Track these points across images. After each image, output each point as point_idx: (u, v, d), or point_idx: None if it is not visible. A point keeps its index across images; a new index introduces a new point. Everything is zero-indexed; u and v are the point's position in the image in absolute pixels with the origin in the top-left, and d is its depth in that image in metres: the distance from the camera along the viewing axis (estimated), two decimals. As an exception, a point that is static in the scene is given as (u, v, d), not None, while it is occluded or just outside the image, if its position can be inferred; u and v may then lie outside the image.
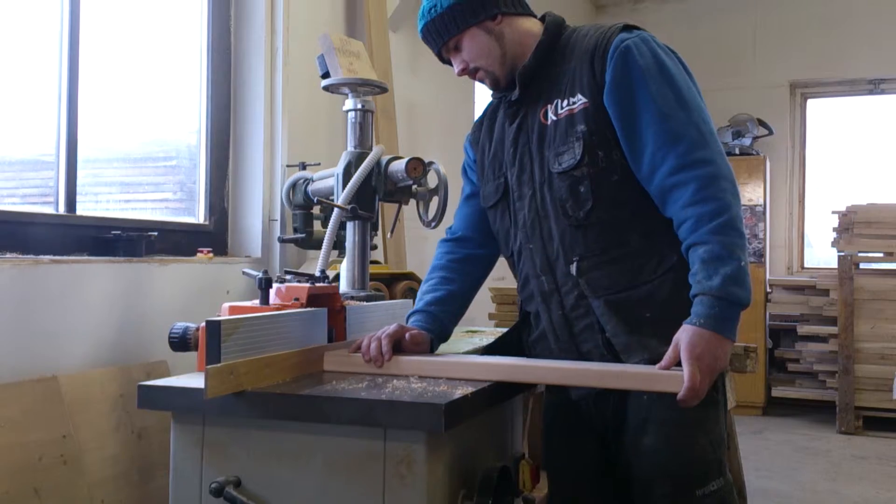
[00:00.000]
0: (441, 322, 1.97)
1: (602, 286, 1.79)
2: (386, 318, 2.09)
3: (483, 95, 5.61)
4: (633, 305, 1.77)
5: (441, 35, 1.91)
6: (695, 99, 1.76)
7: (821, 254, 7.19)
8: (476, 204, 2.07)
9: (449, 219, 2.48)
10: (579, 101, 1.80)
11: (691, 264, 1.68)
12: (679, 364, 1.60)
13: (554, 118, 1.84)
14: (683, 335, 1.62)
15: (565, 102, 1.82)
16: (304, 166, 2.93)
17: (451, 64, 1.97)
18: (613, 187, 1.78)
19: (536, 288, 1.89)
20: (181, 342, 1.90)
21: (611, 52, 1.77)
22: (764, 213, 6.58)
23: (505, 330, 2.14)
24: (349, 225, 2.36)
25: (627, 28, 1.82)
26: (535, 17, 1.96)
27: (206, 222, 3.05)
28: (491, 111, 2.06)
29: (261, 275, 1.87)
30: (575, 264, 1.80)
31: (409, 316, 1.98)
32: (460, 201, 2.16)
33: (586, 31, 1.87)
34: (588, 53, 1.81)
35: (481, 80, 1.94)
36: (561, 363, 1.80)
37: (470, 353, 2.04)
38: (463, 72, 1.93)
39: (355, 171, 2.31)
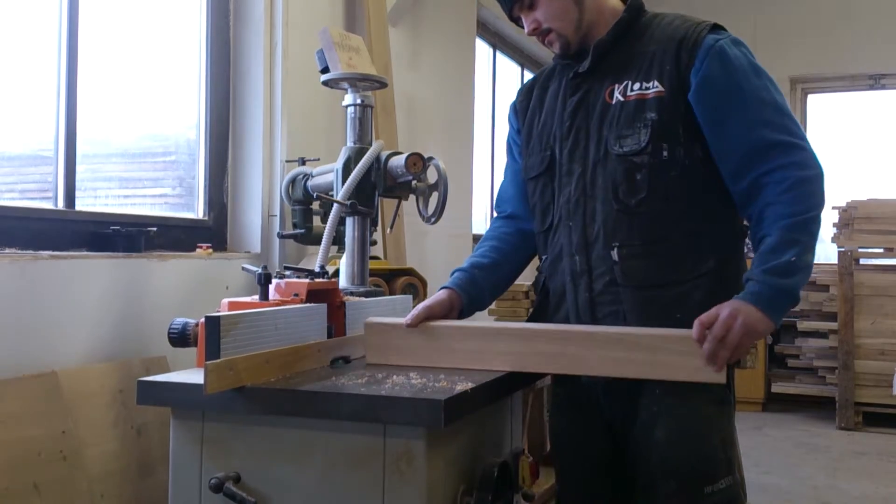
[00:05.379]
0: (480, 287, 1.98)
1: (637, 277, 1.78)
2: (386, 313, 2.08)
3: (481, 91, 5.60)
4: (665, 304, 1.76)
5: None
6: (786, 104, 1.77)
7: (822, 249, 7.18)
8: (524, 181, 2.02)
9: (449, 214, 2.48)
10: (654, 87, 1.77)
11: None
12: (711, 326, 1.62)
13: (621, 99, 1.80)
14: (727, 304, 1.64)
15: (637, 85, 1.79)
16: (303, 161, 2.92)
17: (518, 23, 1.93)
18: (670, 182, 1.77)
19: (568, 266, 1.87)
20: (180, 338, 1.90)
21: (703, 49, 1.75)
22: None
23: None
24: (349, 220, 2.36)
25: (716, 27, 1.81)
26: None
27: (206, 217, 3.05)
28: (543, 79, 2.02)
29: (260, 270, 1.87)
30: (615, 250, 1.79)
31: (453, 273, 1.99)
32: (506, 177, 2.12)
33: (671, 19, 1.85)
34: (674, 42, 1.78)
35: (550, 43, 1.89)
36: (586, 327, 1.78)
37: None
38: (534, 31, 1.88)
39: (355, 167, 2.30)
